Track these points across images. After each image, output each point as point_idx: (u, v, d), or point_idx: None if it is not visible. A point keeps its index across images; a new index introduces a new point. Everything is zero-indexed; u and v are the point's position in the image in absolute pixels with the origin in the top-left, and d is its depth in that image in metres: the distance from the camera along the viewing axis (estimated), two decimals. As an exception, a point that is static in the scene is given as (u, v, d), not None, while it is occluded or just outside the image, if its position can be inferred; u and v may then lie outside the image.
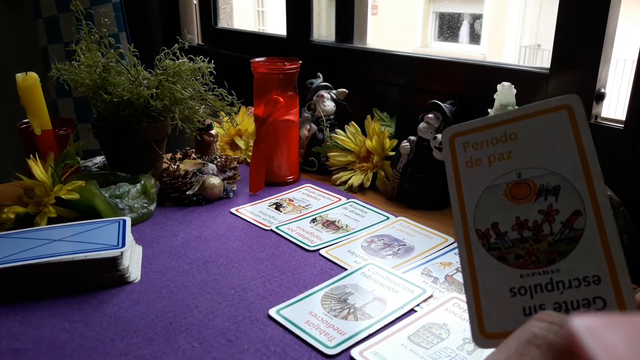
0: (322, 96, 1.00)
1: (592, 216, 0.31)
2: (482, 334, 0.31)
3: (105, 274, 0.61)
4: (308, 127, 1.00)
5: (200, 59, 0.89)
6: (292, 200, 0.87)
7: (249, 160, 1.02)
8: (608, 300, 0.30)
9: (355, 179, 0.91)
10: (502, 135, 0.34)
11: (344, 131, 0.97)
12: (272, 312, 0.57)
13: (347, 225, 0.78)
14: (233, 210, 0.83)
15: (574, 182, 0.32)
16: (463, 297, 0.59)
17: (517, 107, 0.75)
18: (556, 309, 0.31)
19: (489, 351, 0.29)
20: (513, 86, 0.74)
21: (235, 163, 0.92)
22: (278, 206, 0.85)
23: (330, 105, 1.00)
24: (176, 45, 0.88)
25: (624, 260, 0.30)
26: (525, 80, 0.79)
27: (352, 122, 0.97)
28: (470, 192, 0.34)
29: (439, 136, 0.82)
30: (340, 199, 0.87)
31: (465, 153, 0.35)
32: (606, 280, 0.30)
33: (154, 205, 0.82)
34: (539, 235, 0.32)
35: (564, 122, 0.33)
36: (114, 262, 0.61)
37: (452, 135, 0.35)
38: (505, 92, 0.74)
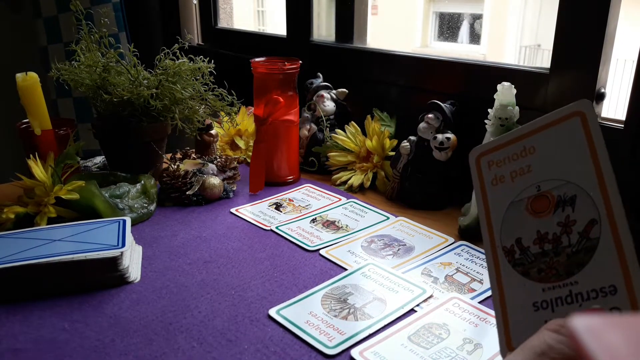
0: (322, 96, 1.00)
1: (607, 224, 0.31)
2: (509, 348, 0.32)
3: (105, 274, 0.61)
4: (308, 127, 1.00)
5: (200, 59, 0.89)
6: (292, 200, 0.87)
7: (249, 160, 1.02)
8: (624, 310, 0.30)
9: (355, 179, 0.91)
10: (521, 151, 0.35)
11: (344, 131, 0.97)
12: (272, 312, 0.57)
13: (347, 225, 0.78)
14: (233, 210, 0.83)
15: (589, 190, 0.32)
16: (463, 297, 0.59)
17: (516, 107, 0.75)
18: None
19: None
20: (513, 86, 0.74)
21: (235, 163, 0.92)
22: (278, 206, 0.85)
23: (330, 105, 1.00)
24: (176, 45, 0.88)
25: (639, 269, 0.30)
26: (525, 80, 0.79)
27: (352, 122, 0.97)
28: (496, 209, 0.35)
29: (439, 136, 0.82)
30: (340, 199, 0.87)
31: (490, 171, 0.36)
32: (622, 290, 0.30)
33: (154, 205, 0.82)
34: (558, 247, 0.33)
35: (577, 129, 0.33)
36: (114, 262, 0.61)
37: (478, 155, 0.37)
38: (505, 92, 0.74)
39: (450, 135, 0.82)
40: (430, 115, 0.83)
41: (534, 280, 0.33)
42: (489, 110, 0.76)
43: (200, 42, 1.56)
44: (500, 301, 0.33)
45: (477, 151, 0.37)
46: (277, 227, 0.77)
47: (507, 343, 0.32)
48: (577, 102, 0.34)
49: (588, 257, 0.31)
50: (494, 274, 0.34)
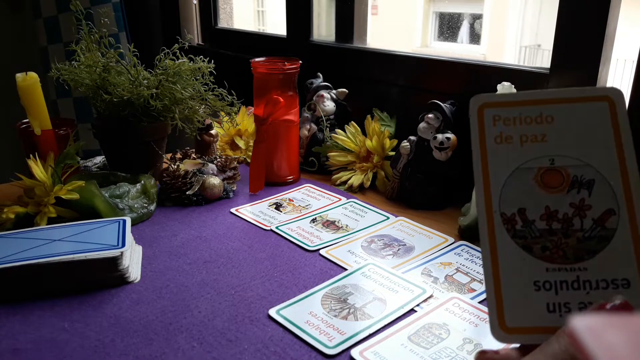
0: (322, 96, 1.00)
1: (626, 218, 0.30)
2: (502, 327, 0.29)
3: (105, 274, 0.61)
4: (308, 127, 1.00)
5: (200, 59, 0.89)
6: (292, 200, 0.87)
7: (249, 160, 1.02)
8: (636, 306, 0.28)
9: (355, 179, 0.91)
10: (537, 116, 0.31)
11: (344, 131, 0.97)
12: (272, 312, 0.57)
13: (347, 225, 0.78)
14: (233, 210, 0.83)
15: (609, 178, 0.30)
16: (463, 297, 0.59)
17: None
18: (581, 309, 0.29)
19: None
20: (513, 86, 0.74)
21: (235, 163, 0.92)
22: (278, 206, 0.85)
23: (330, 105, 1.00)
24: (176, 45, 0.88)
25: None
26: (525, 80, 0.79)
27: (352, 122, 0.97)
28: (497, 171, 0.31)
29: (439, 136, 0.82)
30: (340, 199, 0.87)
31: (495, 127, 0.32)
32: (635, 286, 0.29)
33: (154, 205, 0.82)
34: (568, 229, 0.30)
35: (604, 113, 0.31)
36: (114, 262, 0.61)
37: (482, 105, 0.32)
38: (505, 92, 0.74)
39: (450, 135, 0.82)
40: (430, 115, 0.83)
41: (537, 257, 0.30)
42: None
43: (200, 42, 1.56)
44: (493, 273, 0.30)
45: (481, 100, 0.32)
46: (277, 227, 0.77)
47: (500, 321, 0.29)
48: (607, 87, 0.32)
49: (601, 246, 0.30)
50: (486, 240, 0.30)
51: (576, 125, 0.31)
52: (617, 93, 0.31)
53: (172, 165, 0.88)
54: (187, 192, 0.84)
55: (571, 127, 0.31)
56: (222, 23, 1.55)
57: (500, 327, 0.29)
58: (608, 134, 0.30)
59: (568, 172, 0.31)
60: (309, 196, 0.89)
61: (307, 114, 1.01)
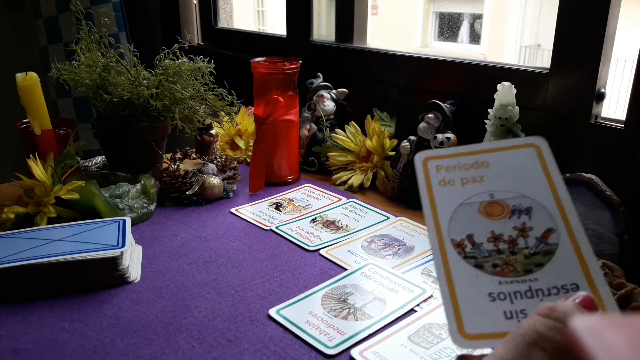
0: (322, 96, 1.00)
1: (565, 232, 0.33)
2: (462, 334, 0.31)
3: (105, 274, 0.61)
4: (308, 127, 1.00)
5: (200, 59, 0.89)
6: (292, 200, 0.87)
7: (249, 160, 1.02)
8: None
9: (355, 179, 0.91)
10: (474, 163, 0.36)
11: (344, 131, 0.97)
12: (272, 312, 0.57)
13: (347, 225, 0.78)
14: (233, 210, 0.83)
15: (544, 204, 0.34)
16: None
17: (516, 107, 0.75)
18: None
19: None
20: (513, 86, 0.74)
21: (235, 163, 0.92)
22: (278, 206, 0.85)
23: (330, 105, 1.00)
24: (176, 45, 0.88)
25: (598, 268, 0.32)
26: (525, 80, 0.79)
27: (352, 122, 0.97)
28: (443, 206, 0.35)
29: (439, 136, 0.82)
30: (340, 199, 0.87)
31: (438, 174, 0.36)
32: (584, 287, 0.31)
33: (154, 205, 0.82)
34: (514, 247, 0.33)
35: (532, 156, 0.35)
36: (114, 262, 0.61)
37: (425, 158, 0.37)
38: (505, 92, 0.74)
39: (450, 135, 0.82)
40: (430, 115, 0.83)
41: (489, 273, 0.33)
42: (489, 110, 0.76)
43: (200, 42, 1.56)
44: (449, 289, 0.33)
45: (424, 155, 0.37)
46: (277, 227, 0.77)
47: (460, 328, 0.32)
48: (531, 137, 0.36)
49: (547, 259, 0.32)
50: (440, 263, 0.34)
51: (510, 168, 0.35)
52: (542, 141, 0.36)
53: (172, 165, 0.88)
54: (187, 192, 0.84)
55: (505, 170, 0.35)
56: (222, 23, 1.55)
57: (460, 334, 0.31)
58: (538, 171, 0.35)
59: (507, 203, 0.34)
60: (309, 196, 0.89)
61: (307, 114, 1.01)
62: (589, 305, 0.28)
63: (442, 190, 0.36)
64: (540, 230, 0.33)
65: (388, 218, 0.80)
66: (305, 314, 0.56)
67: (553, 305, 0.28)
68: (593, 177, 0.64)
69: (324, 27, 1.23)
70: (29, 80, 0.79)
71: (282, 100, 0.89)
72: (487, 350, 0.31)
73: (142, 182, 0.83)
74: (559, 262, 0.32)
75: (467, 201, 0.35)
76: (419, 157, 0.37)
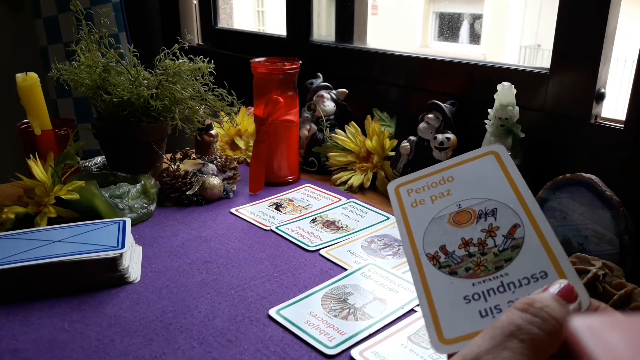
0: (322, 96, 1.00)
1: (529, 224, 0.35)
2: (442, 340, 0.33)
3: (105, 275, 0.61)
4: (308, 127, 1.00)
5: (200, 59, 0.89)
6: (292, 201, 0.87)
7: (249, 160, 1.02)
8: None
9: (355, 179, 0.91)
10: (440, 180, 0.39)
11: (344, 131, 0.97)
12: (272, 312, 0.57)
13: (347, 226, 0.78)
14: (233, 210, 0.83)
15: (508, 203, 0.36)
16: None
17: (516, 107, 0.75)
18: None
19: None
20: (513, 86, 0.74)
21: (235, 163, 0.92)
22: (278, 206, 0.85)
23: (330, 105, 1.00)
24: (176, 45, 0.88)
25: (564, 253, 0.33)
26: (525, 80, 0.79)
27: (352, 122, 0.97)
28: (417, 226, 0.38)
29: (439, 136, 0.82)
30: (340, 199, 0.87)
31: (409, 197, 0.39)
32: (552, 273, 0.33)
33: (154, 205, 0.82)
34: (484, 248, 0.35)
35: (493, 162, 0.38)
36: (114, 262, 0.61)
37: (397, 186, 0.40)
38: (505, 92, 0.74)
39: (450, 135, 0.82)
40: (430, 115, 0.83)
41: (462, 277, 0.34)
42: (489, 110, 0.76)
43: (200, 42, 1.56)
44: (427, 301, 0.35)
45: (395, 183, 0.41)
46: (277, 227, 0.77)
47: (439, 335, 0.33)
48: (490, 145, 0.38)
49: (515, 253, 0.34)
50: (418, 278, 0.36)
51: (473, 177, 0.38)
52: (500, 148, 0.39)
53: (172, 166, 0.88)
54: (187, 192, 0.84)
55: (469, 180, 0.38)
56: (222, 23, 1.55)
57: (439, 341, 0.33)
58: (499, 175, 0.37)
59: (474, 209, 0.37)
60: (309, 196, 0.89)
61: (307, 114, 1.01)
62: (568, 295, 0.29)
63: (414, 211, 0.38)
64: (506, 228, 0.35)
65: (388, 218, 0.80)
66: (305, 314, 0.56)
67: (530, 299, 0.28)
68: (593, 177, 0.64)
69: (324, 27, 1.24)
70: (29, 80, 0.79)
71: (282, 100, 0.89)
72: None
73: (142, 182, 0.83)
74: (527, 254, 0.34)
75: (437, 216, 0.38)
76: (391, 187, 0.41)
